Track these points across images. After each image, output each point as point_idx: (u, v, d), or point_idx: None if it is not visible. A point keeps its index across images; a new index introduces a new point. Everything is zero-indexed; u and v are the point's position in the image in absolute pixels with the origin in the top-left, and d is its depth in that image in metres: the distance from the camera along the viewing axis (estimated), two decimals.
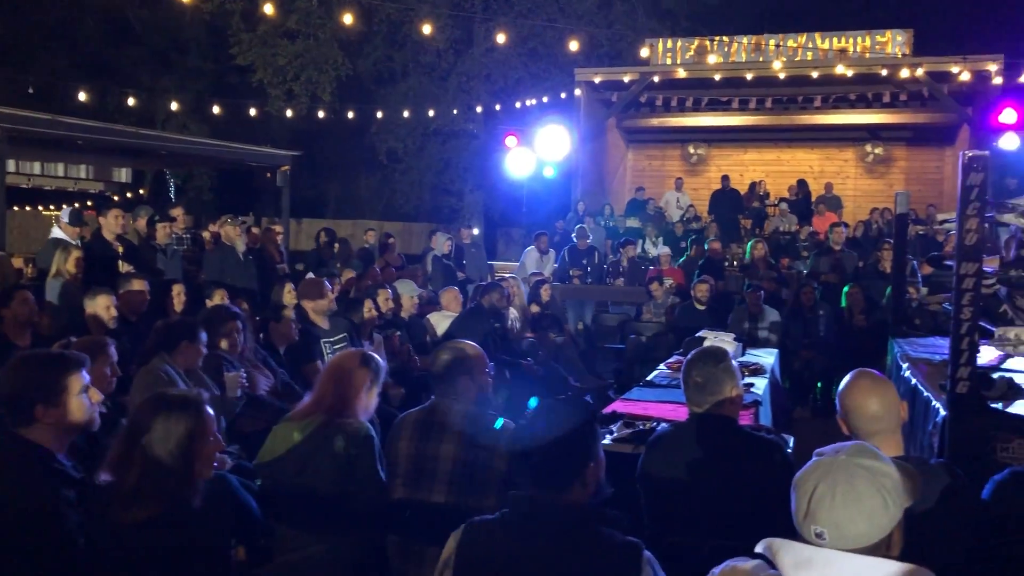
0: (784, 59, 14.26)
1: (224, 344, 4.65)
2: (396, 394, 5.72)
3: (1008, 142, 12.77)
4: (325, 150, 21.52)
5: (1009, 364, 4.92)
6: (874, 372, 2.83)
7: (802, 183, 15.58)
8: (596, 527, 2.02)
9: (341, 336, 5.82)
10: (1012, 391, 4.42)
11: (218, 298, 5.96)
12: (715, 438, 2.78)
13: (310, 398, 3.25)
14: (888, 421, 2.60)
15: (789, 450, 3.27)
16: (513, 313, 8.05)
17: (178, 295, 6.16)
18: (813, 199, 15.17)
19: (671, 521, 2.71)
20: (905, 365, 5.58)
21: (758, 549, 1.84)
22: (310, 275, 7.85)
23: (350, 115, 17.95)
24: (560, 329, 8.61)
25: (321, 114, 18.29)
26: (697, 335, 6.98)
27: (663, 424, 4.14)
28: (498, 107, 17.83)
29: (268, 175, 14.18)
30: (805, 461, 2.98)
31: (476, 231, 15.49)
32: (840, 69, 13.79)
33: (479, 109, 18.34)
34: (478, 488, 2.96)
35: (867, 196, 16.52)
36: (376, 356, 3.38)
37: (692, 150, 17.65)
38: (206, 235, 10.65)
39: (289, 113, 18.43)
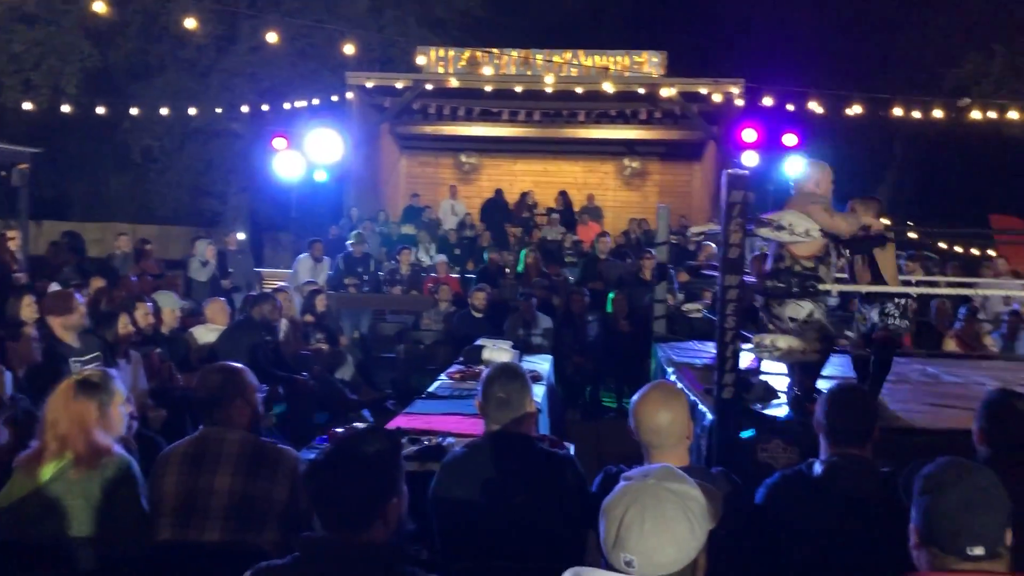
0: (552, 74, 14.76)
1: None
2: (156, 417, 5.26)
3: (748, 159, 13.96)
4: (70, 147, 19.67)
5: (764, 367, 5.32)
6: (668, 384, 2.91)
7: (564, 194, 16.19)
8: (397, 568, 1.89)
9: (94, 356, 5.26)
10: (769, 394, 4.76)
11: None
12: (513, 456, 2.73)
13: (40, 436, 2.87)
14: (676, 434, 2.67)
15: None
16: (285, 324, 7.71)
17: None
18: (576, 209, 15.84)
19: (466, 545, 2.63)
20: (671, 369, 5.89)
21: None
22: (55, 286, 7.08)
23: (99, 110, 16.53)
24: (335, 340, 8.36)
25: (66, 108, 16.70)
26: (476, 344, 7.02)
27: (449, 439, 4.07)
28: (265, 107, 17.09)
29: (3, 173, 12.70)
30: (584, 466, 3.04)
31: (242, 236, 14.76)
32: (603, 87, 14.47)
33: (244, 108, 17.51)
34: (257, 523, 2.75)
35: (625, 207, 17.47)
36: (102, 372, 3.05)
37: (465, 159, 17.85)
38: None
39: (28, 106, 16.68)
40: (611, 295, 9.32)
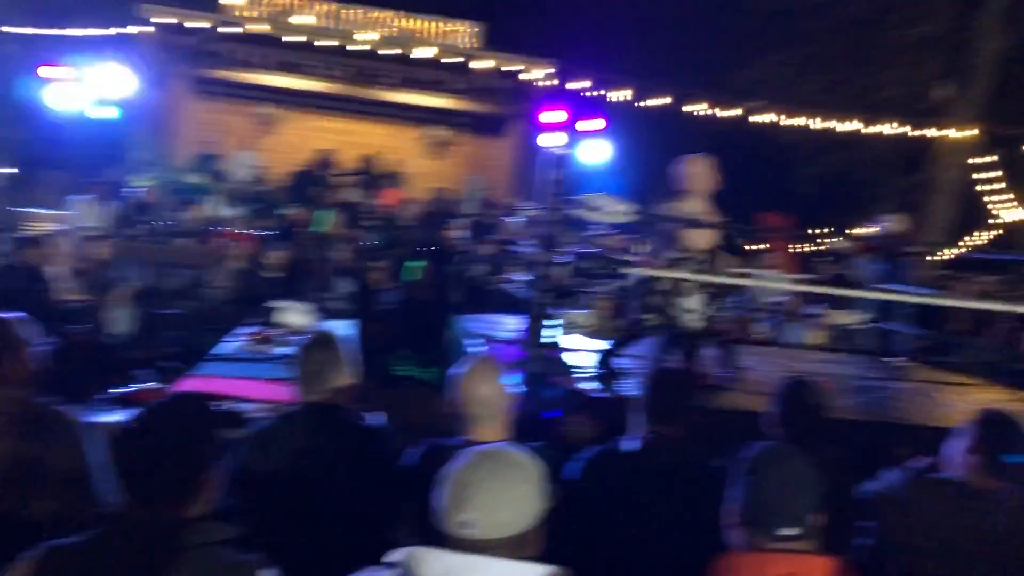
0: (364, 32, 14.36)
1: None
2: None
3: (556, 139, 14.26)
4: None
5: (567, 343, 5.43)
6: (491, 358, 2.88)
7: (370, 157, 15.87)
8: (206, 546, 1.73)
9: None
10: (567, 367, 4.86)
11: None
12: (326, 429, 2.60)
13: None
14: (499, 407, 2.66)
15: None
16: (57, 272, 7.02)
17: None
18: (380, 173, 15.57)
19: (276, 520, 2.48)
20: (473, 341, 5.89)
21: (394, 558, 1.72)
22: None
23: None
24: (112, 292, 7.71)
25: None
26: (271, 304, 6.71)
27: (248, 405, 3.85)
28: (36, 31, 15.42)
29: None
30: (396, 434, 2.96)
31: (9, 171, 13.32)
32: (416, 51, 14.26)
33: (6, 29, 15.69)
34: (31, 491, 2.45)
35: (429, 175, 17.36)
36: None
37: (264, 110, 17.01)
38: None
39: None
40: (413, 263, 9.20)
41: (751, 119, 15.12)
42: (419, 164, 17.79)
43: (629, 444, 2.84)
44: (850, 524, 2.79)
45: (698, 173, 4.86)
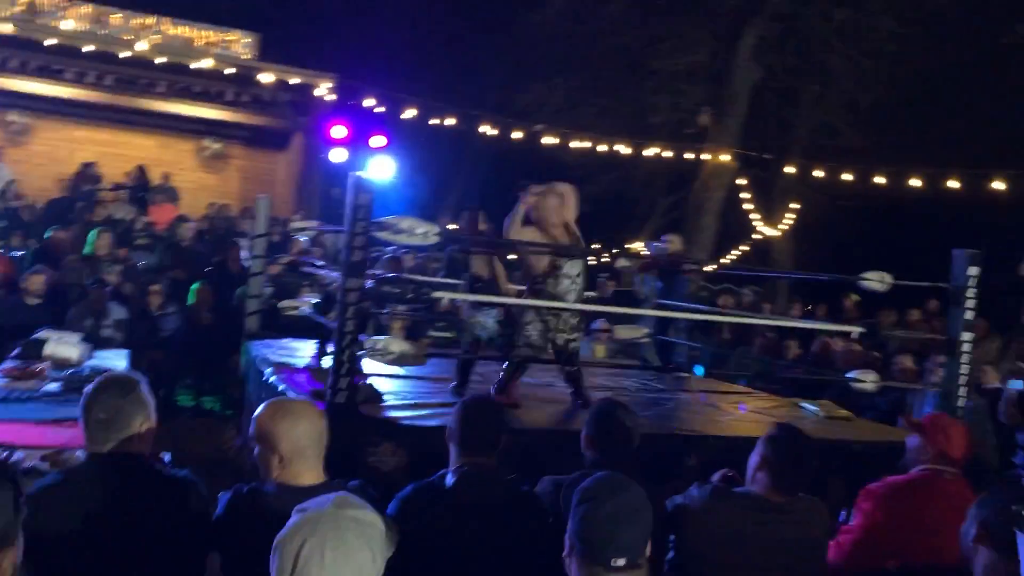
0: (130, 38, 13.44)
1: None
2: None
3: (337, 155, 14.01)
4: None
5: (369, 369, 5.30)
6: (296, 398, 2.74)
7: (141, 170, 14.85)
8: None
9: None
10: (374, 395, 4.75)
11: None
12: (122, 483, 2.35)
13: None
14: (317, 447, 2.53)
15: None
16: None
17: None
18: (151, 188, 14.61)
19: None
20: (268, 370, 5.62)
21: None
22: None
23: None
24: None
25: None
26: (36, 336, 6.07)
27: (17, 454, 3.42)
28: None
29: None
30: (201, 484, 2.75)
31: None
32: (189, 61, 13.54)
33: None
34: None
35: (204, 190, 16.52)
36: None
37: (14, 118, 15.47)
38: None
39: None
40: (194, 286, 8.69)
41: (533, 140, 15.61)
42: (194, 178, 16.87)
43: (443, 480, 2.79)
44: (662, 540, 2.89)
45: (544, 203, 4.90)
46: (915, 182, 13.94)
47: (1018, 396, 6.53)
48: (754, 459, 3.07)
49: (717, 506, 2.91)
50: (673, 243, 7.72)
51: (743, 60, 14.99)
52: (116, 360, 6.34)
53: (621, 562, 1.96)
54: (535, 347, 4.89)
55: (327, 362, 5.55)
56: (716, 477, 3.30)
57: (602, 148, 15.67)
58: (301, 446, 2.48)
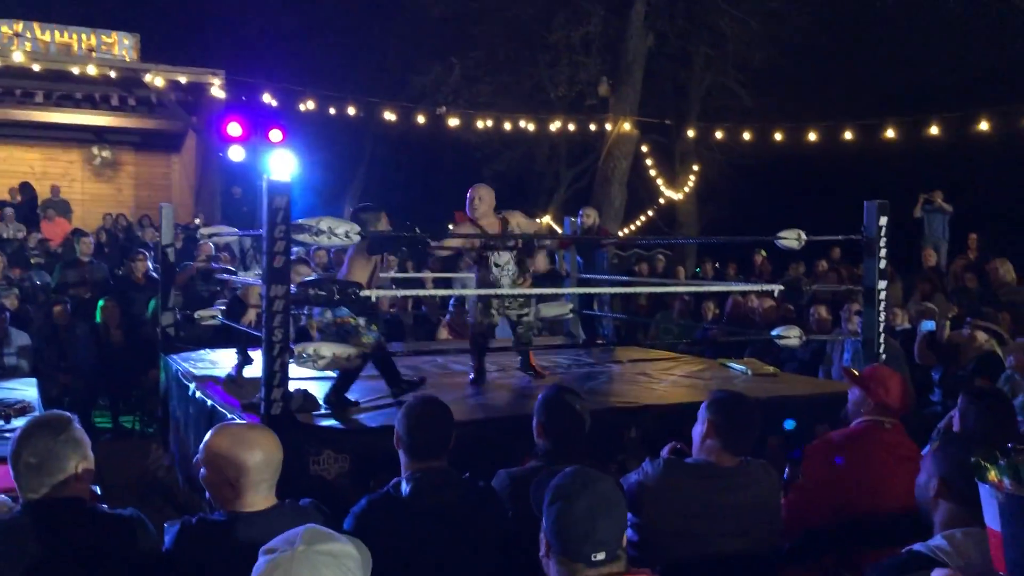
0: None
1: None
2: None
3: (235, 153, 13.57)
4: None
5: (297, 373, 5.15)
6: (244, 423, 2.63)
7: (26, 186, 14.15)
8: None
9: None
10: (309, 402, 4.62)
11: None
12: (65, 529, 2.21)
13: None
14: (272, 472, 2.43)
15: None
16: None
17: None
18: (40, 203, 13.93)
19: None
20: (192, 384, 5.42)
21: None
22: None
23: None
24: None
25: None
26: None
27: None
28: None
29: None
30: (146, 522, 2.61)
31: None
32: (68, 67, 12.90)
33: None
34: None
35: (97, 201, 15.88)
36: None
37: None
38: None
39: None
40: (100, 302, 8.32)
41: (435, 122, 15.47)
42: (85, 189, 16.18)
43: (398, 489, 2.72)
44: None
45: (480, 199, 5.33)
46: (812, 136, 14.34)
47: (930, 336, 6.82)
48: (699, 427, 3.09)
49: (673, 479, 2.92)
50: (589, 216, 7.74)
51: (635, 28, 15.12)
52: (25, 389, 6.03)
53: (601, 556, 1.94)
54: (481, 324, 5.54)
55: (251, 371, 5.40)
56: (665, 451, 3.32)
57: (507, 126, 15.63)
58: (257, 478, 2.38)
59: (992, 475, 1.78)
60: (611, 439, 4.50)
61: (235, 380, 5.33)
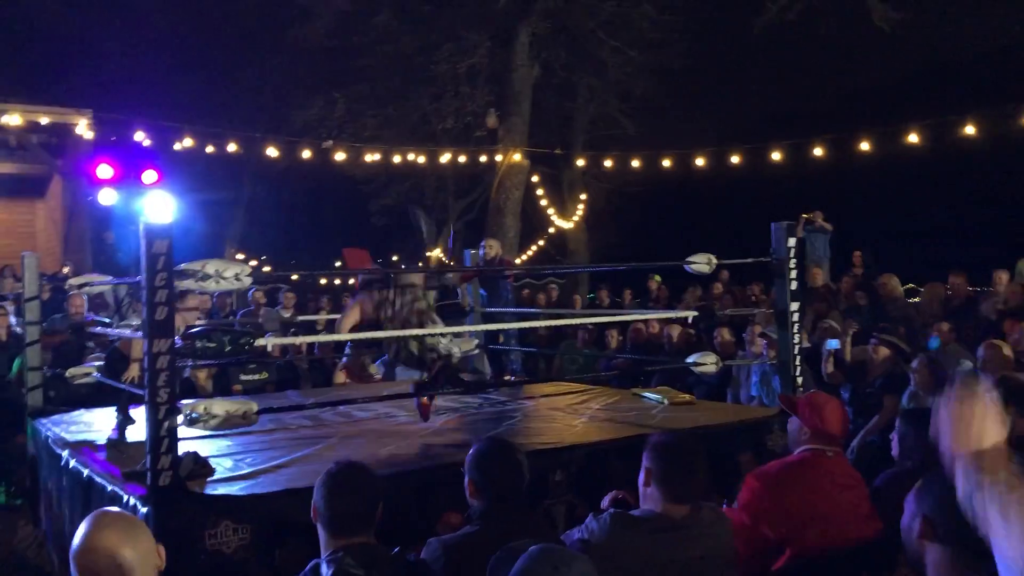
0: None
1: None
2: None
3: (105, 197, 12.76)
4: None
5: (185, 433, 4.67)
6: (117, 511, 2.22)
7: None
8: None
9: None
10: (200, 467, 4.16)
11: None
12: None
13: None
14: (147, 569, 2.04)
15: None
16: None
17: None
18: None
19: None
20: (65, 452, 4.84)
21: None
22: None
23: None
24: None
25: None
26: None
27: None
28: None
29: None
30: None
31: None
32: None
33: None
34: None
35: None
36: None
37: None
38: None
39: None
40: None
41: (312, 158, 15.00)
42: None
43: (316, 574, 2.35)
44: None
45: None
46: (699, 162, 14.57)
47: (836, 355, 6.85)
48: (641, 475, 2.85)
49: (621, 535, 2.66)
50: (492, 247, 7.51)
51: (520, 59, 15.10)
52: None
53: None
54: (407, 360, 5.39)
55: (134, 433, 4.87)
56: (606, 502, 3.06)
57: (396, 159, 15.31)
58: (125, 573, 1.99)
59: None
60: (534, 484, 4.22)
61: (116, 445, 4.79)
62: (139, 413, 5.57)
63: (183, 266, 3.74)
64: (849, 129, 12.40)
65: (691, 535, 2.70)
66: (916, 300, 10.07)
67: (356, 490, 2.43)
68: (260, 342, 3.94)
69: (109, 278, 6.08)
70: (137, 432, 4.65)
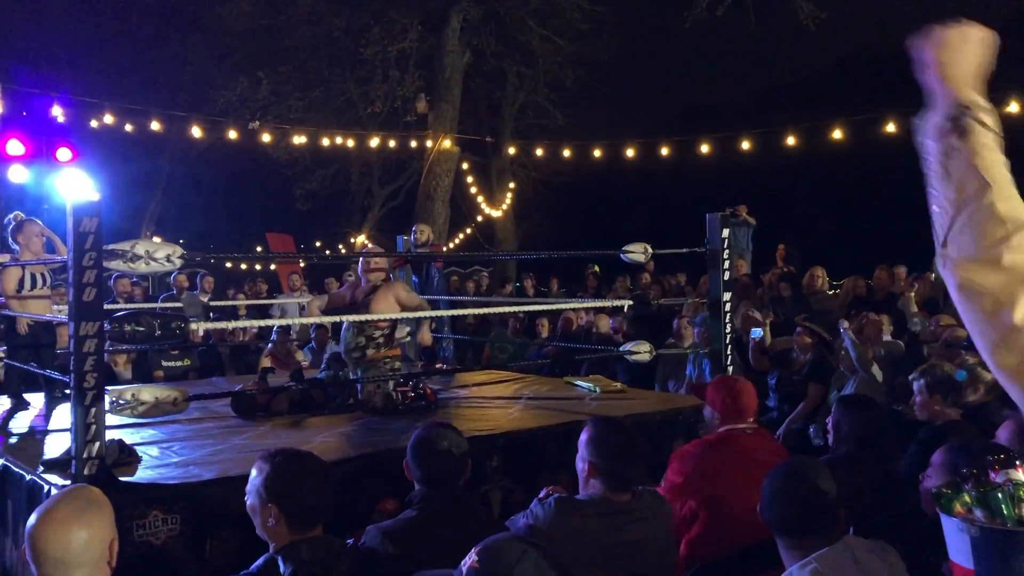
0: None
1: None
2: None
3: (15, 174, 12.22)
4: None
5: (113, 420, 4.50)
6: (83, 492, 2.12)
7: None
8: None
9: None
10: (126, 454, 4.01)
11: None
12: None
13: None
14: (94, 556, 1.96)
15: None
16: None
17: None
18: None
19: None
20: None
21: None
22: None
23: None
24: None
25: None
26: None
27: None
28: None
29: None
30: None
31: None
32: None
33: None
34: None
35: None
36: None
37: None
38: None
39: None
40: None
41: (236, 140, 14.63)
42: None
43: (272, 570, 2.28)
44: None
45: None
46: (629, 153, 14.69)
47: (760, 343, 7.00)
48: (580, 465, 2.86)
49: (566, 519, 2.68)
50: (424, 232, 7.44)
51: (451, 44, 14.98)
52: None
53: None
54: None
55: (59, 418, 4.67)
56: (542, 495, 3.07)
57: (324, 142, 15.03)
58: (70, 557, 1.91)
59: (958, 507, 1.62)
60: (472, 470, 4.21)
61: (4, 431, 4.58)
62: (33, 397, 5.38)
63: (112, 246, 3.60)
64: (776, 123, 12.66)
65: (633, 518, 2.73)
66: (834, 293, 10.34)
67: (325, 480, 2.37)
68: (194, 327, 3.82)
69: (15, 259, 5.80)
70: (28, 418, 4.46)
